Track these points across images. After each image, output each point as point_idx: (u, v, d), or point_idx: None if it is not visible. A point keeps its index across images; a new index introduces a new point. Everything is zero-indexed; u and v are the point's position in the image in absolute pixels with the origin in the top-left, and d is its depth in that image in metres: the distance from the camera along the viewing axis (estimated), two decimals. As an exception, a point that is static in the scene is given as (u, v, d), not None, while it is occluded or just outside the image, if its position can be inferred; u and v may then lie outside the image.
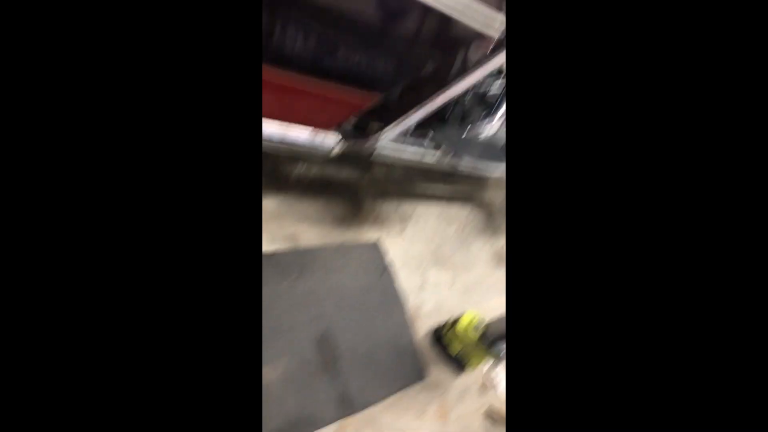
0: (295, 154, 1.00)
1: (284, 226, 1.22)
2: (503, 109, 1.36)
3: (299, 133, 0.99)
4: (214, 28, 0.31)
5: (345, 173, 1.45)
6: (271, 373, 1.00)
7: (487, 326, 1.16)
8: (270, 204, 1.24)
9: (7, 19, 0.26)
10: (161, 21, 0.30)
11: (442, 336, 1.28)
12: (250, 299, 0.32)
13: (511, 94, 0.35)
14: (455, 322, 1.25)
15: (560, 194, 0.32)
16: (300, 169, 1.34)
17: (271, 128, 0.95)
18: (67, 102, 0.28)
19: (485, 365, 1.31)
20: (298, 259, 1.19)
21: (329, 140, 1.03)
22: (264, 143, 0.96)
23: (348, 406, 1.04)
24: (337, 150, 1.05)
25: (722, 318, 0.29)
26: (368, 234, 1.36)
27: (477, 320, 1.22)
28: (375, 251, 1.34)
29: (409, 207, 1.53)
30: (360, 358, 1.12)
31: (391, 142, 1.10)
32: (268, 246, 1.16)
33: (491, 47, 0.88)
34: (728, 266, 0.29)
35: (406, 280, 1.34)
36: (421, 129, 1.19)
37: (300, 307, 1.12)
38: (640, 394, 0.30)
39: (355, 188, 1.44)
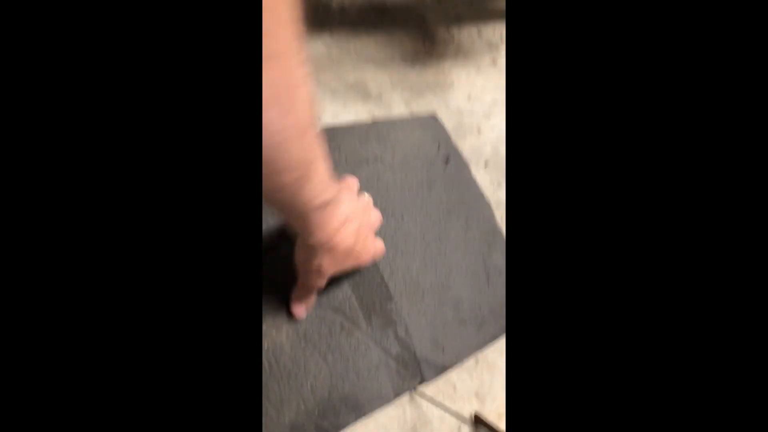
0: None
1: (344, 74, 0.87)
2: None
3: None
4: None
5: (401, -6, 1.03)
6: (277, 334, 0.56)
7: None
8: (318, 47, 0.87)
9: (6, 19, 0.25)
10: None
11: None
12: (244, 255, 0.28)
13: (511, 94, 0.32)
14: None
15: (566, 195, 0.30)
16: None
17: None
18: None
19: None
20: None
21: None
22: None
23: (412, 372, 0.59)
24: None
25: (721, 317, 0.28)
26: (454, 71, 0.98)
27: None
28: (433, 126, 0.83)
29: (493, 30, 1.11)
30: (424, 295, 0.64)
31: None
32: (335, 101, 0.82)
33: None
34: (728, 265, 0.28)
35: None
36: None
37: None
38: (641, 396, 0.28)
39: (420, 13, 1.03)
